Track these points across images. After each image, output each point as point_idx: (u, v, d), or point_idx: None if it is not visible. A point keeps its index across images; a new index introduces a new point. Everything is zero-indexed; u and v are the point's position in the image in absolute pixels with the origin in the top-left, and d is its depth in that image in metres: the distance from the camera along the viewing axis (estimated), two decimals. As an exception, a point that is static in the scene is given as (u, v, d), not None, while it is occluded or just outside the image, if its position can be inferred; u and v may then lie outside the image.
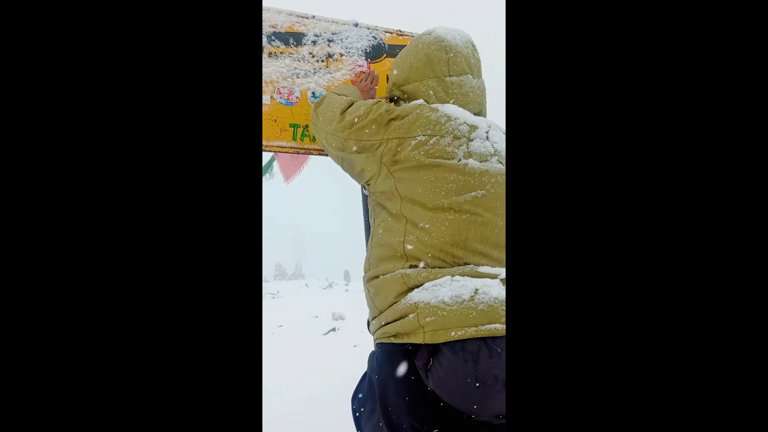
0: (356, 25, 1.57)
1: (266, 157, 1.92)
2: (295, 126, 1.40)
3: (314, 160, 1.53)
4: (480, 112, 1.18)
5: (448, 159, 1.00)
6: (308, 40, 1.49)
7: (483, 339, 0.84)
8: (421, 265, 0.95)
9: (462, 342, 0.84)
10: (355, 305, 7.52)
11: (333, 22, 1.54)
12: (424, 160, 0.99)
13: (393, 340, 0.93)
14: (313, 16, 1.53)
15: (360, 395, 1.01)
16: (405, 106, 1.07)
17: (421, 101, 1.09)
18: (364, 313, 1.11)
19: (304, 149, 1.42)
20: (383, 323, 0.97)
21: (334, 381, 3.51)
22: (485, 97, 1.20)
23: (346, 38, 1.53)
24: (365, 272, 1.07)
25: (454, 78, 1.11)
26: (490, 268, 0.95)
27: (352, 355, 4.45)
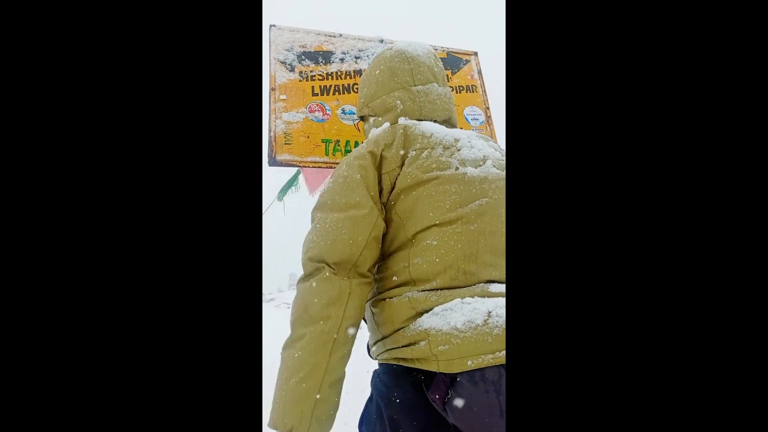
0: (381, 41, 1.61)
1: (292, 171, 1.97)
2: (326, 141, 1.45)
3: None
4: (449, 119, 1.15)
5: (445, 169, 0.95)
6: (336, 57, 1.54)
7: (502, 366, 0.79)
8: (430, 286, 0.88)
9: (481, 371, 0.78)
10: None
11: (359, 39, 1.59)
12: (420, 175, 0.93)
13: (402, 363, 0.87)
14: (340, 35, 1.58)
15: (368, 420, 0.94)
16: (381, 134, 1.00)
17: (396, 124, 1.04)
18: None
19: (336, 163, 1.46)
20: (388, 348, 0.91)
21: (356, 389, 3.52)
22: (453, 105, 1.17)
23: (372, 54, 1.58)
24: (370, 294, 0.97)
25: (420, 87, 1.10)
26: (499, 285, 0.89)
27: (372, 362, 4.44)
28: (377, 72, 1.13)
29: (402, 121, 1.05)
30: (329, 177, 1.00)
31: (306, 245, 0.94)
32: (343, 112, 1.49)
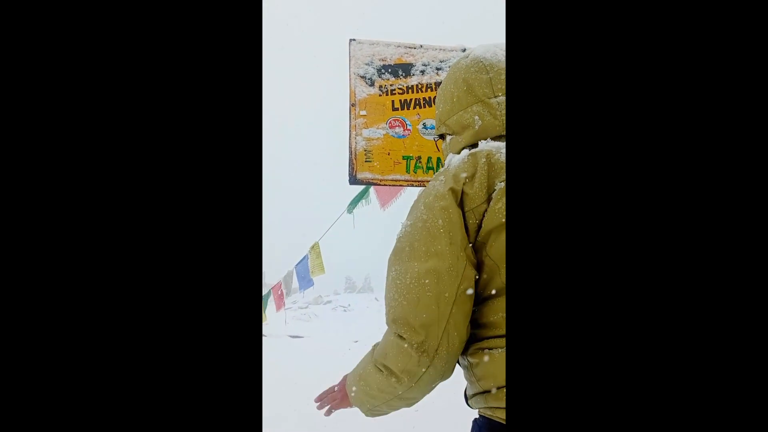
0: (464, 50, 1.53)
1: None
2: (408, 158, 1.39)
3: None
4: None
5: None
6: (417, 70, 1.48)
7: None
8: None
9: None
10: (430, 322, 7.42)
11: (440, 49, 1.52)
12: None
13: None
14: (421, 46, 1.51)
15: None
16: (460, 165, 0.87)
17: (476, 150, 0.92)
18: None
19: (418, 182, 1.39)
20: (492, 406, 0.82)
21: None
22: None
23: (454, 66, 1.51)
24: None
25: (501, 98, 0.96)
26: None
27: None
28: (452, 85, 1.01)
29: (483, 145, 0.92)
30: (407, 219, 0.90)
31: (388, 303, 0.86)
32: (425, 126, 1.43)
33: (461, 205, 0.84)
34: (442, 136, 1.09)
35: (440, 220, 0.83)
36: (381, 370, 0.86)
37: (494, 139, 0.95)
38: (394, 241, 0.90)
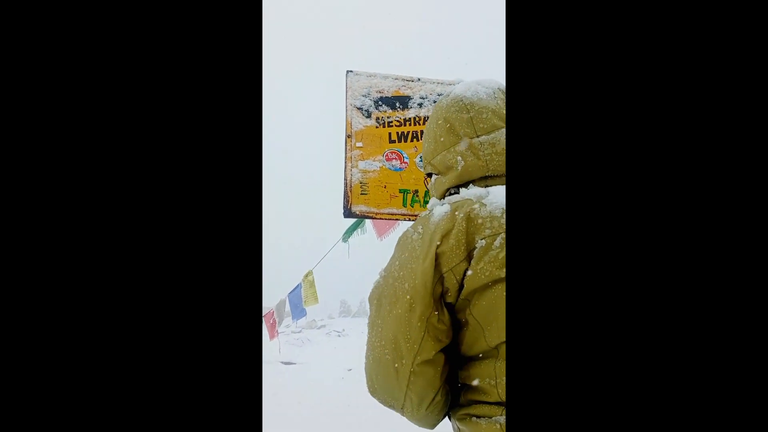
0: (461, 84, 1.53)
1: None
2: (404, 191, 1.37)
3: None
4: None
5: None
6: (414, 102, 1.47)
7: None
8: None
9: None
10: (425, 350, 7.29)
11: (438, 83, 1.52)
12: (496, 273, 0.76)
13: None
14: (419, 79, 1.51)
15: None
16: (439, 222, 0.83)
17: (457, 202, 0.86)
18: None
19: (414, 216, 1.37)
20: None
21: (415, 439, 3.34)
22: None
23: (452, 98, 1.50)
24: (453, 405, 0.87)
25: (483, 137, 0.92)
26: None
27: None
28: (434, 125, 0.98)
29: (464, 193, 0.89)
30: (387, 264, 0.88)
31: (365, 352, 0.89)
32: (421, 160, 1.41)
33: (438, 266, 0.80)
34: (429, 174, 1.07)
35: (407, 284, 0.80)
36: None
37: (478, 180, 0.91)
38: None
